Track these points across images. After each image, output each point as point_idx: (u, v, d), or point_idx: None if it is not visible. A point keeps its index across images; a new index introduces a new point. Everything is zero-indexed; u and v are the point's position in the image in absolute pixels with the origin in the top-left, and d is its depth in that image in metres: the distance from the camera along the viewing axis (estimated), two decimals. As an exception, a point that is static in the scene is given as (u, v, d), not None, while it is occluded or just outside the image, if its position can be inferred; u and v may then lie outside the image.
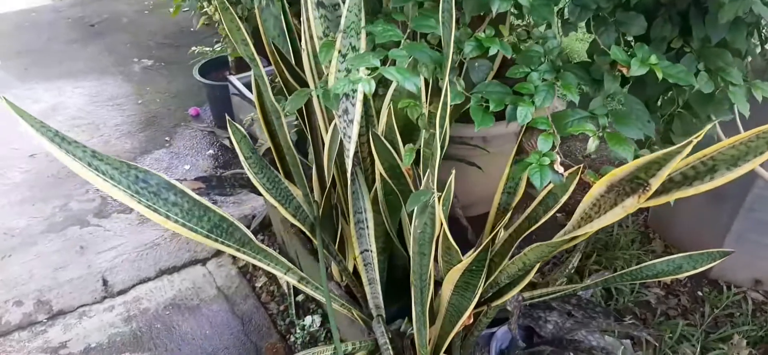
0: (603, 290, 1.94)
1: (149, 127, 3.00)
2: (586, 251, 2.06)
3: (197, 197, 1.18)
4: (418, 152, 1.15)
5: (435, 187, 0.86)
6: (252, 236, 1.26)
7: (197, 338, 1.83)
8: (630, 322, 1.77)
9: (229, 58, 2.88)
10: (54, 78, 3.50)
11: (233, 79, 2.59)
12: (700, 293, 2.00)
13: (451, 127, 1.59)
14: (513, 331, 1.37)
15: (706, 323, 1.85)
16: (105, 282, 2.03)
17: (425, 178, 0.87)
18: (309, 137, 1.52)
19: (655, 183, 0.68)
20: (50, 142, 1.04)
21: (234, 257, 2.17)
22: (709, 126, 0.67)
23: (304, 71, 1.35)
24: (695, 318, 1.88)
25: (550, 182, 0.80)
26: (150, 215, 1.10)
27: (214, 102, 2.94)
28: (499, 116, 1.96)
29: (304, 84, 1.39)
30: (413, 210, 1.25)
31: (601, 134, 0.87)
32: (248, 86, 2.53)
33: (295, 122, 1.84)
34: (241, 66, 2.89)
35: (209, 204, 1.19)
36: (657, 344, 1.73)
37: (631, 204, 0.71)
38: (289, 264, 1.33)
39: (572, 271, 1.73)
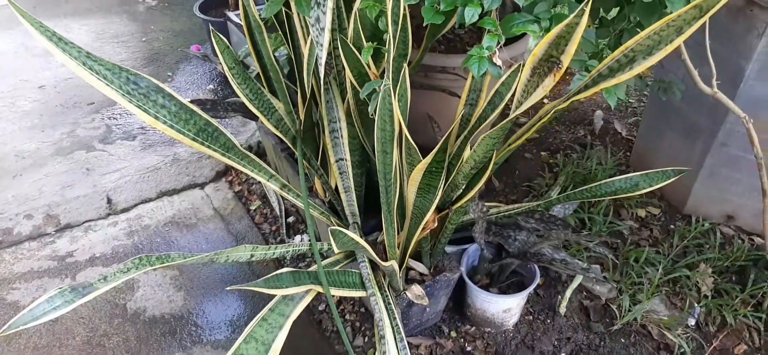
0: (577, 220, 2.03)
1: (152, 63, 3.10)
2: (564, 185, 2.15)
3: (184, 101, 1.28)
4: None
5: (390, 83, 0.95)
6: (236, 142, 1.37)
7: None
8: (585, 234, 1.87)
9: (228, -6, 2.96)
10: (61, 16, 3.59)
11: (230, 14, 2.67)
12: (672, 227, 2.09)
13: (427, 54, 1.67)
14: (477, 238, 1.48)
15: (674, 252, 1.94)
16: (109, 200, 2.16)
17: (380, 71, 0.96)
18: (294, 59, 1.61)
19: (566, 59, 0.77)
20: (49, 40, 1.13)
21: (230, 182, 2.29)
22: (585, 16, 0.73)
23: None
24: (665, 248, 1.97)
25: (486, 72, 0.89)
26: (140, 114, 1.21)
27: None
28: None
29: (288, 6, 1.48)
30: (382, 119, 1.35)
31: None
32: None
33: (285, 54, 1.93)
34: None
35: (195, 108, 1.30)
36: (617, 263, 1.83)
37: (549, 82, 0.80)
38: (272, 171, 1.44)
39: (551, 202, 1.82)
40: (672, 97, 1.69)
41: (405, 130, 1.08)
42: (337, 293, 1.36)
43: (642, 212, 2.15)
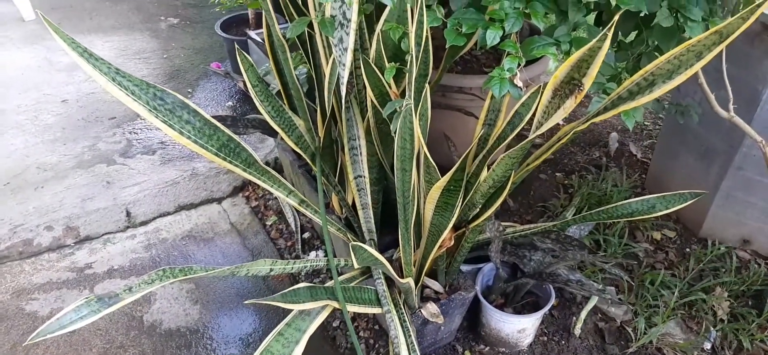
0: (592, 241, 2.03)
1: (173, 79, 3.16)
2: (579, 206, 2.15)
3: (208, 117, 1.31)
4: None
5: (412, 103, 0.98)
6: (257, 158, 1.39)
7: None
8: (601, 255, 1.87)
9: (249, 13, 3.02)
10: (85, 32, 3.68)
11: (251, 33, 2.73)
12: (688, 250, 2.08)
13: (445, 74, 1.70)
14: (493, 257, 1.49)
15: (690, 276, 1.93)
16: (128, 214, 2.20)
17: (400, 90, 0.98)
18: (315, 78, 1.64)
19: (588, 82, 0.78)
20: (80, 56, 1.17)
21: (247, 198, 2.32)
22: (607, 40, 0.75)
23: (308, 9, 1.46)
24: (680, 271, 1.96)
25: (507, 93, 0.91)
26: (165, 129, 1.24)
27: (234, 56, 3.07)
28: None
29: (310, 26, 1.51)
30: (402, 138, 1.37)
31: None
32: (266, 41, 2.66)
33: (305, 72, 1.97)
34: (260, 22, 3.02)
35: (219, 124, 1.33)
36: (633, 285, 1.82)
37: (569, 104, 0.82)
38: (291, 187, 1.46)
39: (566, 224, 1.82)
40: (689, 120, 1.70)
41: (424, 149, 1.10)
42: (353, 309, 1.37)
43: (657, 235, 2.15)
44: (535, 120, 0.96)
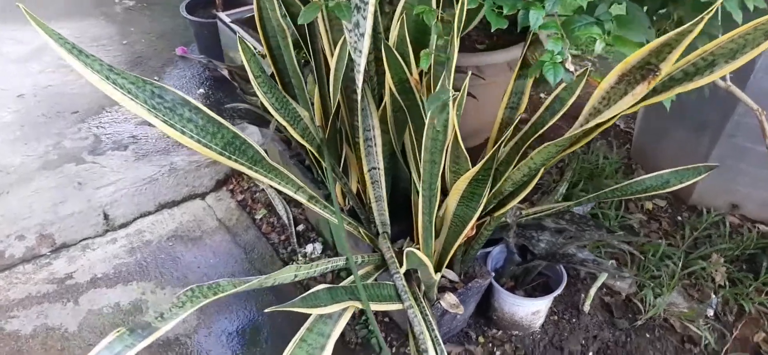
0: (590, 214, 2.03)
1: (136, 68, 2.98)
2: (573, 180, 2.14)
3: (212, 114, 1.21)
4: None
5: (451, 89, 0.91)
6: (264, 154, 1.30)
7: (202, 267, 1.88)
8: (620, 234, 1.87)
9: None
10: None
11: (221, 14, 2.58)
12: (679, 218, 2.11)
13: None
14: (511, 243, 1.45)
15: (686, 244, 1.95)
16: (106, 216, 2.06)
17: (441, 80, 0.91)
18: (312, 62, 1.54)
19: (666, 67, 0.74)
20: (68, 53, 1.05)
21: (232, 191, 2.21)
22: (702, 24, 0.71)
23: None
24: (676, 240, 1.99)
25: (561, 81, 0.86)
26: (167, 129, 1.13)
27: (202, 40, 2.92)
28: (494, 47, 1.99)
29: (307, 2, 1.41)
30: (419, 125, 1.30)
31: (606, 39, 0.92)
32: (237, 22, 2.52)
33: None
34: (228, 2, 2.87)
35: (223, 121, 1.23)
36: (642, 259, 1.83)
37: (640, 90, 0.77)
38: (300, 182, 1.38)
39: (560, 199, 1.81)
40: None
41: (460, 140, 1.04)
42: (375, 307, 1.31)
43: (650, 205, 2.17)
44: (590, 106, 0.91)
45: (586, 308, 1.75)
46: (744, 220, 2.09)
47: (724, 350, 1.66)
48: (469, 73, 1.03)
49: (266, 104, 1.36)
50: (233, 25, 2.39)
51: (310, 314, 1.25)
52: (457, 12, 0.88)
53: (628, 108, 0.90)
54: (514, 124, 1.22)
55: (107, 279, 1.84)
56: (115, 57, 3.06)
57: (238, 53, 2.46)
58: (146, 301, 1.76)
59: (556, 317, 1.73)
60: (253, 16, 2.59)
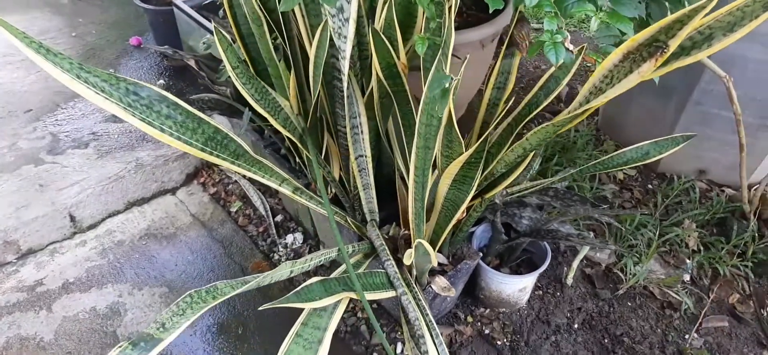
0: (565, 187, 2.05)
1: (89, 60, 2.84)
2: (546, 154, 2.16)
3: (191, 109, 1.16)
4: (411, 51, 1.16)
5: (450, 74, 0.89)
6: (248, 148, 1.26)
7: (180, 264, 1.82)
8: (604, 207, 1.89)
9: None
10: (-27, 14, 3.21)
11: (179, 2, 2.47)
12: (650, 186, 2.16)
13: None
14: (497, 221, 1.46)
15: (658, 212, 2.00)
16: (72, 218, 1.96)
17: (435, 63, 0.89)
18: (286, 49, 1.49)
19: (674, 43, 0.74)
20: (35, 53, 0.98)
21: (203, 184, 2.14)
22: (727, 7, 0.70)
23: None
24: (649, 208, 2.04)
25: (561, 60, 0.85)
26: (144, 128, 1.08)
27: (158, 28, 2.80)
28: (465, 25, 1.96)
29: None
30: (406, 110, 1.28)
31: (600, 16, 0.92)
32: (195, 9, 2.43)
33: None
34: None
35: (203, 115, 1.18)
36: (621, 229, 1.87)
37: (647, 68, 0.77)
38: (285, 175, 1.34)
39: (535, 173, 1.82)
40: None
41: (454, 121, 1.02)
42: (369, 296, 1.30)
43: (620, 175, 2.21)
44: (590, 85, 0.90)
45: (569, 281, 1.78)
46: (712, 185, 2.15)
47: (702, 313, 1.72)
48: (467, 56, 1.01)
49: (246, 95, 1.31)
50: (193, 15, 2.30)
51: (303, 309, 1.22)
52: (454, -6, 0.85)
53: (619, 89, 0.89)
54: (501, 107, 1.21)
55: (80, 283, 1.76)
56: (65, 50, 2.90)
57: (198, 42, 2.38)
58: (124, 304, 1.69)
59: (540, 292, 1.75)
60: (212, 2, 2.51)
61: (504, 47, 1.19)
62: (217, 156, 1.21)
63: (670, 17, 0.72)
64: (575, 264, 1.77)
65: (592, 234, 1.94)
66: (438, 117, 1.02)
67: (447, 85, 0.86)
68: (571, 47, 0.86)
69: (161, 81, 2.69)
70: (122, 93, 1.07)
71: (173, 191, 2.11)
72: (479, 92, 2.28)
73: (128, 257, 1.84)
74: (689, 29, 0.70)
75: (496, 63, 1.21)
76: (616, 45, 1.06)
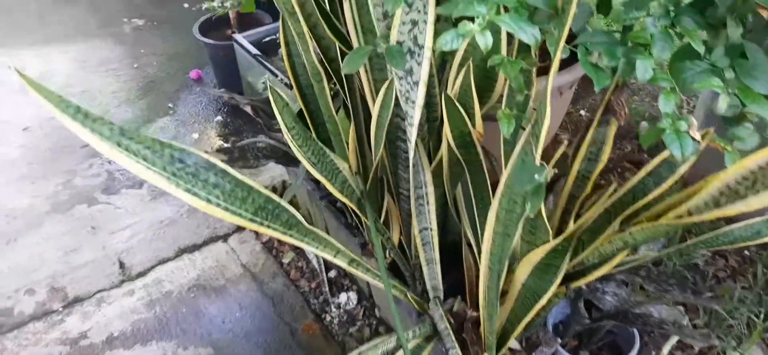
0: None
1: (149, 93, 2.82)
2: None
3: (240, 177, 1.05)
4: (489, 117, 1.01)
5: (544, 165, 0.73)
6: (301, 218, 1.13)
7: (227, 322, 1.71)
8: (709, 296, 1.68)
9: (230, 14, 2.69)
10: (39, 43, 3.27)
11: (238, 37, 2.41)
12: (747, 252, 1.91)
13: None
14: (580, 305, 1.28)
15: (759, 285, 1.76)
16: (122, 264, 1.90)
17: (520, 143, 0.74)
18: (347, 102, 1.37)
19: None
20: (72, 119, 0.89)
21: (256, 232, 2.05)
22: None
23: (341, 23, 1.20)
24: (747, 279, 1.79)
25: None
26: (190, 199, 0.99)
27: (218, 62, 2.76)
28: (542, 71, 1.79)
29: (343, 39, 1.24)
30: (479, 181, 1.13)
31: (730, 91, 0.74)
32: (255, 44, 2.36)
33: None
34: (243, 23, 2.71)
35: (253, 183, 1.06)
36: (722, 312, 1.64)
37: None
38: (340, 246, 1.21)
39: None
40: None
41: (542, 210, 0.86)
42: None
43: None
44: (722, 183, 0.72)
45: (658, 366, 1.56)
46: (821, 254, 1.88)
47: (820, 416, 1.46)
48: (565, 141, 0.85)
49: (302, 159, 1.19)
50: (253, 52, 2.23)
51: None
52: (554, 63, 0.70)
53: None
54: (594, 178, 1.04)
55: (124, 338, 1.68)
56: (125, 82, 2.90)
57: (257, 79, 2.30)
58: (163, 364, 1.60)
59: (624, 378, 1.54)
60: (273, 39, 2.44)
61: (599, 114, 1.02)
62: (268, 226, 1.10)
63: None
64: (666, 351, 1.55)
65: (685, 313, 1.71)
66: (520, 204, 0.86)
67: (540, 178, 0.71)
68: (697, 136, 0.69)
69: (219, 117, 2.63)
70: (167, 161, 0.98)
71: (225, 237, 2.02)
72: (554, 139, 2.09)
73: (175, 311, 1.75)
74: None
75: (578, 116, 1.04)
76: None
